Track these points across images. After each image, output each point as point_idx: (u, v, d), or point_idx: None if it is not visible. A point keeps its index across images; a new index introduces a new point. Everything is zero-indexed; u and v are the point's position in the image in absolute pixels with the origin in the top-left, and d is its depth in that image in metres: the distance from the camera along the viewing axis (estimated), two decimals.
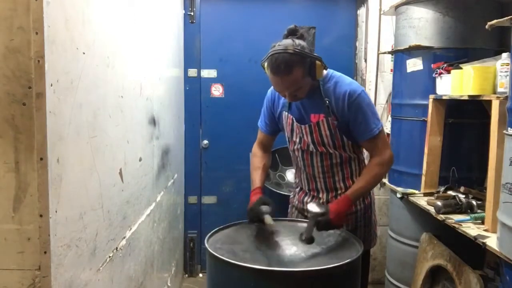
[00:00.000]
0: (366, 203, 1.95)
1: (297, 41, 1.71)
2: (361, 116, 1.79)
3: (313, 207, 1.69)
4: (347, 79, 1.85)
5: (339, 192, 1.92)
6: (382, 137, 1.84)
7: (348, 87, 1.80)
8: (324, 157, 1.89)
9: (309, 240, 1.63)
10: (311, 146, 1.88)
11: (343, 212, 1.72)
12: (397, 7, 2.74)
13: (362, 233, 1.92)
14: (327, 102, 1.80)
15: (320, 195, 1.96)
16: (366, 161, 1.96)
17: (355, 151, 1.91)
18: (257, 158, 2.05)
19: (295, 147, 1.95)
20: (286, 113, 1.92)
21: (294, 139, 1.93)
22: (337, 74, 1.87)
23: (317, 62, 1.72)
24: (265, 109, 2.04)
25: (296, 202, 2.07)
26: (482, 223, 2.01)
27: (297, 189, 2.09)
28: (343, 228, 1.79)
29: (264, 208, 1.75)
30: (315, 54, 1.73)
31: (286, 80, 1.70)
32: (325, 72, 1.84)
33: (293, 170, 2.15)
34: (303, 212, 2.02)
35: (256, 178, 1.95)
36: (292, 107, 1.90)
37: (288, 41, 1.71)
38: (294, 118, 1.89)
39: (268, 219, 1.72)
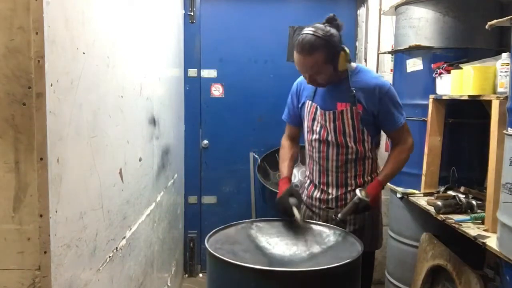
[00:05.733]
0: None
1: (328, 28, 1.78)
2: (391, 109, 1.90)
3: (360, 194, 1.80)
4: (374, 72, 1.99)
5: (349, 189, 1.93)
6: (406, 127, 1.98)
7: (379, 80, 1.92)
8: (340, 151, 1.91)
9: (342, 222, 1.80)
10: (331, 135, 1.90)
11: (377, 195, 1.93)
12: (397, 7, 2.74)
13: (370, 233, 1.92)
14: (354, 91, 1.86)
15: (330, 190, 1.96)
16: (379, 161, 2.03)
17: (371, 149, 1.94)
18: (284, 150, 2.12)
19: (314, 137, 1.96)
20: (310, 101, 1.96)
21: (314, 127, 1.95)
22: (365, 67, 2.02)
23: (342, 52, 1.79)
24: (289, 101, 2.10)
25: (305, 198, 2.05)
26: (482, 223, 2.01)
27: (306, 184, 2.08)
28: (350, 227, 1.89)
29: (292, 200, 1.80)
30: (342, 45, 1.81)
31: (307, 60, 1.76)
32: (354, 65, 1.92)
33: (293, 170, 2.15)
34: (311, 208, 2.02)
35: (284, 169, 2.03)
36: (316, 96, 1.95)
37: (320, 25, 1.79)
38: (318, 106, 1.92)
39: (295, 212, 1.77)
